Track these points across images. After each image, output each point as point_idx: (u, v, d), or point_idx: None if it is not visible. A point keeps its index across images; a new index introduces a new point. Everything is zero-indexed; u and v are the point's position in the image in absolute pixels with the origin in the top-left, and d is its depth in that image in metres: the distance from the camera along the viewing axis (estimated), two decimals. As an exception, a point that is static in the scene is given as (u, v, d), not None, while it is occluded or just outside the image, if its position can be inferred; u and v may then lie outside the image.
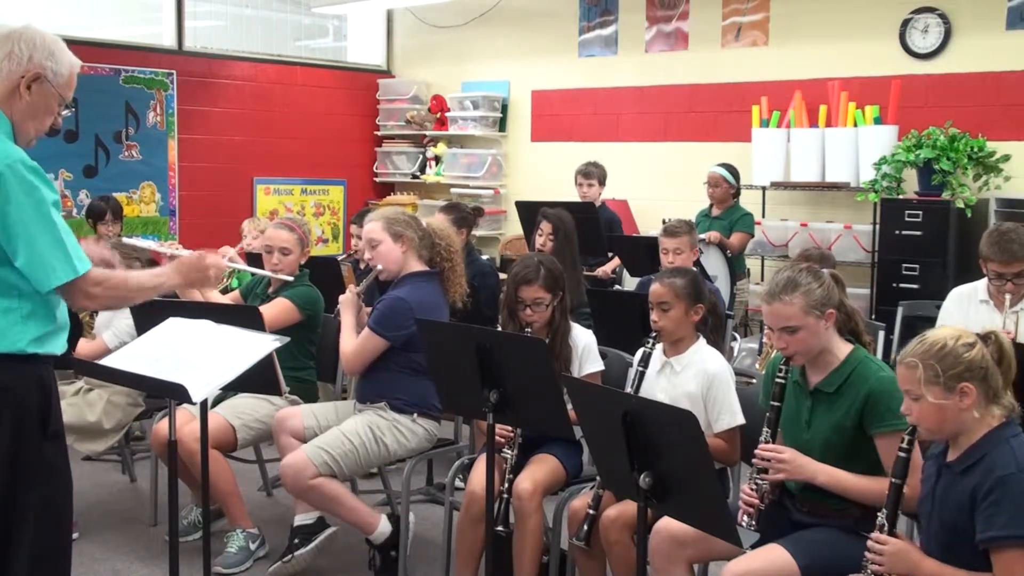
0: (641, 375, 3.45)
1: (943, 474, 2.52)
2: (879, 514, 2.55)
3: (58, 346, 2.68)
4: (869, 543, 2.51)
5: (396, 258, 3.99)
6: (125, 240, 4.17)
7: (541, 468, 3.61)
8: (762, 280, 6.91)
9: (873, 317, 6.06)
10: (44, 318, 2.62)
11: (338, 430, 3.88)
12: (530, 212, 6.22)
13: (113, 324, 4.65)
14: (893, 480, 2.55)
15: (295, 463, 3.78)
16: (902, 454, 2.54)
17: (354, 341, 3.97)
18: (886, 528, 2.54)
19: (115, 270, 2.85)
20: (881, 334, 4.85)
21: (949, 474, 2.49)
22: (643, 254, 5.73)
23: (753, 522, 2.89)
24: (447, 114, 9.14)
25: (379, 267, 3.99)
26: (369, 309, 4.14)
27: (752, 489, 2.92)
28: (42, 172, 2.58)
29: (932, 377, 2.43)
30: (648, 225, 7.59)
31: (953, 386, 2.42)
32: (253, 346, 3.02)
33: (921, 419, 2.48)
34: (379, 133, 9.59)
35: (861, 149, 6.74)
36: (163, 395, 3.37)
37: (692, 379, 3.43)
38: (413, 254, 4.02)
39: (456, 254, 4.14)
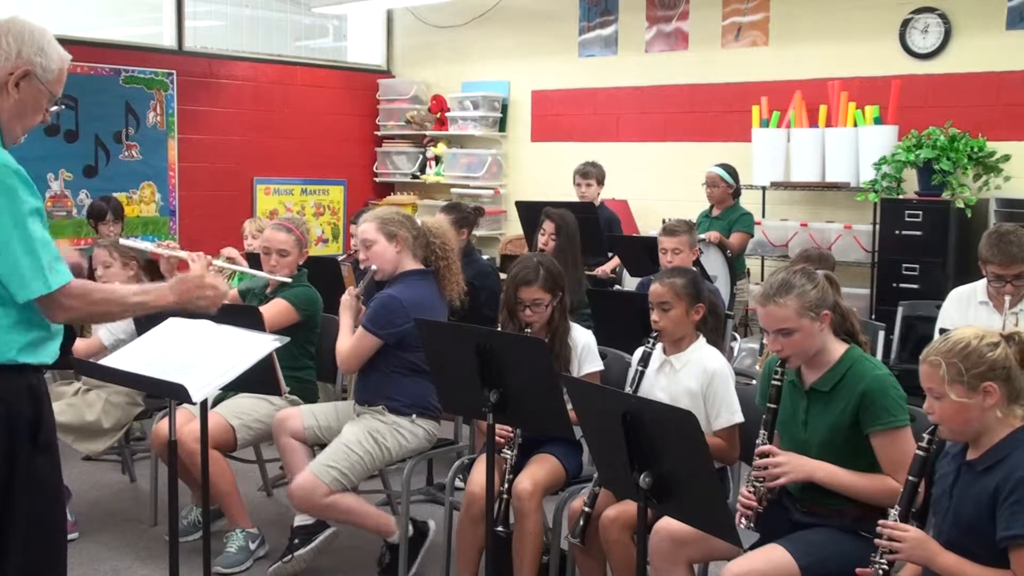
0: (641, 374, 3.46)
1: (962, 473, 2.51)
2: (891, 510, 2.54)
3: (49, 354, 2.57)
4: (886, 531, 2.49)
5: (391, 258, 3.99)
6: (123, 241, 4.17)
7: (541, 468, 3.61)
8: (762, 280, 6.90)
9: (873, 317, 6.06)
10: (33, 326, 2.51)
11: (340, 443, 3.87)
12: (530, 212, 6.22)
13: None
14: (909, 478, 2.54)
15: (304, 484, 3.77)
16: (920, 452, 2.53)
17: (351, 339, 3.97)
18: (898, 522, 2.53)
19: (99, 284, 2.72)
20: (881, 334, 4.85)
21: (969, 473, 2.49)
22: (643, 254, 5.73)
23: (752, 524, 2.90)
24: (447, 114, 9.14)
25: (374, 267, 4.00)
26: (368, 309, 4.15)
27: (750, 491, 2.92)
28: (26, 176, 2.45)
29: (955, 376, 2.42)
30: (648, 225, 7.59)
31: (976, 385, 2.41)
32: (253, 346, 3.02)
33: (943, 418, 2.47)
34: (379, 133, 9.59)
35: (861, 149, 6.74)
36: (163, 395, 3.37)
37: (692, 377, 3.43)
38: (408, 253, 4.02)
39: (451, 252, 4.14)
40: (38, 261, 2.43)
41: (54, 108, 2.64)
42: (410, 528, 3.98)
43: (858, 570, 2.55)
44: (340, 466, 3.79)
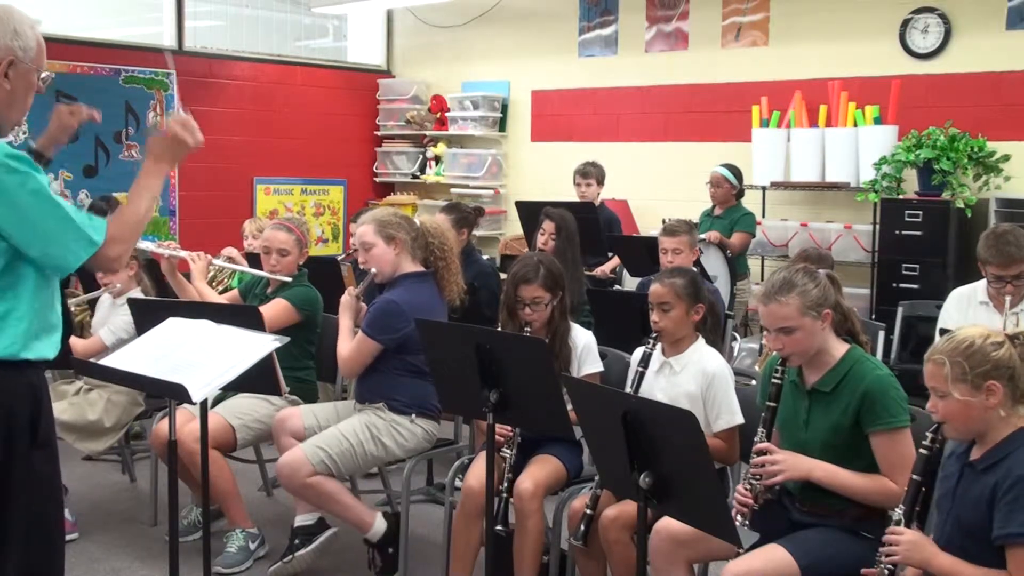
0: (641, 375, 3.46)
1: (965, 472, 2.51)
2: (896, 509, 2.55)
3: (50, 350, 2.57)
4: (885, 537, 2.50)
5: (390, 260, 3.98)
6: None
7: (542, 468, 3.61)
8: (762, 280, 6.90)
9: (873, 317, 6.06)
10: (33, 321, 2.51)
11: (336, 429, 3.88)
12: (530, 212, 6.22)
13: (110, 321, 4.65)
14: (913, 477, 2.54)
15: (292, 461, 3.79)
16: (923, 451, 2.53)
17: (351, 344, 3.97)
18: (903, 523, 2.53)
19: (116, 214, 2.69)
20: (881, 334, 4.85)
21: (971, 472, 2.49)
22: (643, 254, 5.74)
23: (747, 522, 2.90)
24: (447, 114, 9.14)
25: (373, 270, 4.00)
26: (369, 310, 4.14)
27: (747, 489, 2.93)
28: (27, 159, 2.46)
29: (959, 375, 2.42)
30: (648, 225, 7.59)
31: (980, 384, 2.41)
32: (253, 346, 3.01)
33: (947, 417, 2.47)
34: (379, 133, 9.59)
35: (861, 149, 6.74)
36: (163, 395, 3.37)
37: (691, 379, 3.43)
38: (407, 255, 4.01)
39: (450, 252, 4.14)
40: (75, 226, 2.48)
41: (44, 75, 2.62)
42: (383, 521, 3.96)
43: (864, 571, 2.55)
44: (330, 450, 3.80)
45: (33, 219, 2.43)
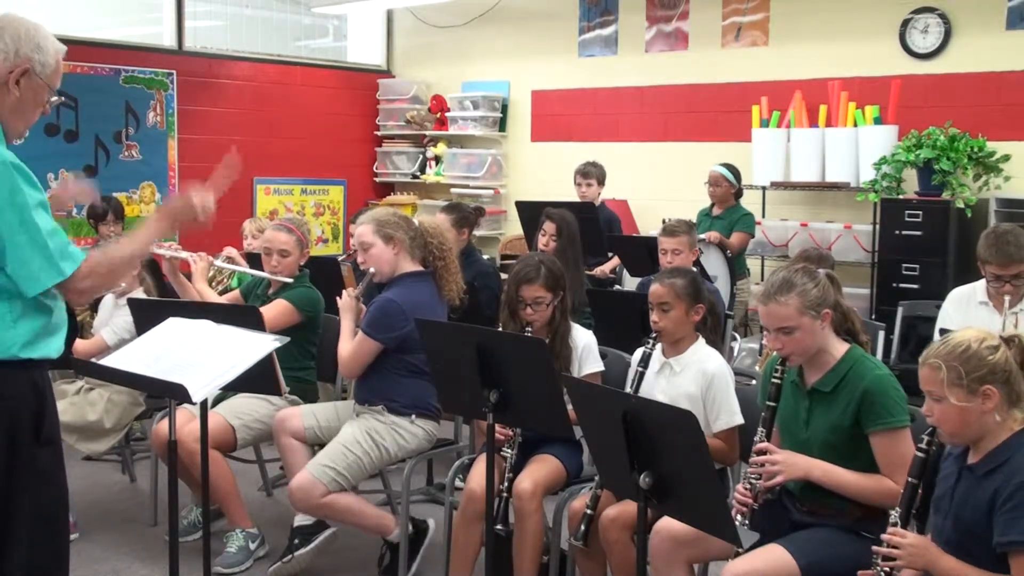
0: (641, 375, 3.46)
1: (963, 475, 2.50)
2: (892, 512, 2.54)
3: (53, 348, 2.59)
4: (885, 537, 2.49)
5: (389, 260, 3.99)
6: (125, 240, 4.16)
7: (542, 468, 3.61)
8: (763, 280, 6.90)
9: (873, 317, 6.06)
10: (36, 320, 2.53)
11: (338, 443, 3.88)
12: (530, 212, 6.22)
13: (112, 321, 4.66)
14: (909, 479, 2.54)
15: (303, 484, 3.78)
16: (920, 454, 2.53)
17: (351, 344, 3.97)
18: (899, 526, 2.53)
19: (98, 253, 2.70)
20: (881, 334, 4.85)
21: (970, 476, 2.48)
22: (643, 254, 5.74)
23: (747, 522, 2.90)
24: (447, 114, 9.14)
25: (372, 269, 4.00)
26: (369, 310, 4.14)
27: (746, 488, 2.93)
28: (27, 171, 2.48)
29: (955, 379, 2.42)
30: (648, 225, 7.59)
31: (976, 388, 2.40)
32: (253, 346, 3.02)
33: (942, 421, 2.46)
34: (379, 133, 9.59)
35: (861, 149, 6.74)
36: (163, 395, 3.37)
37: (691, 379, 3.43)
38: (406, 255, 4.02)
39: (449, 252, 4.14)
40: (47, 252, 2.47)
41: (54, 99, 2.66)
42: (409, 527, 3.98)
43: (860, 573, 2.54)
44: (338, 466, 3.79)
45: (11, 235, 2.44)
